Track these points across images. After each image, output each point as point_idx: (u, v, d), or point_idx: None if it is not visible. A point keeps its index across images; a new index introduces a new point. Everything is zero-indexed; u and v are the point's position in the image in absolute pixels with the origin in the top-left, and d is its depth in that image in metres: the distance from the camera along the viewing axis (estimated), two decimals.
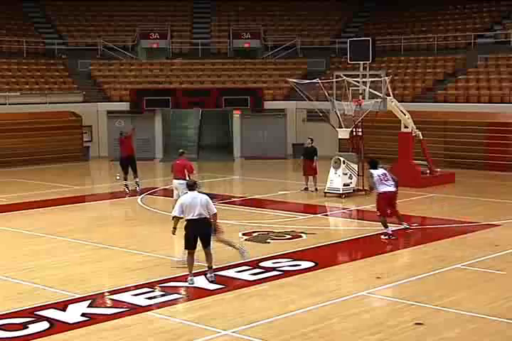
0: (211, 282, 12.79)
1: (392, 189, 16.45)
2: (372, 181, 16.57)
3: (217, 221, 13.25)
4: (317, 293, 12.11)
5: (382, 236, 16.32)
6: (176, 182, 18.39)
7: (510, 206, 20.79)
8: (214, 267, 13.76)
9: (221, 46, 39.61)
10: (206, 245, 12.92)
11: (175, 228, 13.08)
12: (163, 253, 15.09)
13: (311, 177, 23.34)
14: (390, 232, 16.25)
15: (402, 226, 16.76)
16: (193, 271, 12.91)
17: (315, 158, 23.11)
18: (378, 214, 16.50)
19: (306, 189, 23.32)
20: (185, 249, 13.03)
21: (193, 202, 12.71)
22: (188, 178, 18.19)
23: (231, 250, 15.29)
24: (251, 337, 10.09)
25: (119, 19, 41.08)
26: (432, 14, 38.50)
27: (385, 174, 16.60)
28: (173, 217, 13.01)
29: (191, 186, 13.05)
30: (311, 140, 23.53)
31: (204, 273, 13.08)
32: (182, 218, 12.94)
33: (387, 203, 16.44)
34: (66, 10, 41.13)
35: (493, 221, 18.14)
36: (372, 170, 16.58)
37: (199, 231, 12.85)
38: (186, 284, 12.69)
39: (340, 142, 26.20)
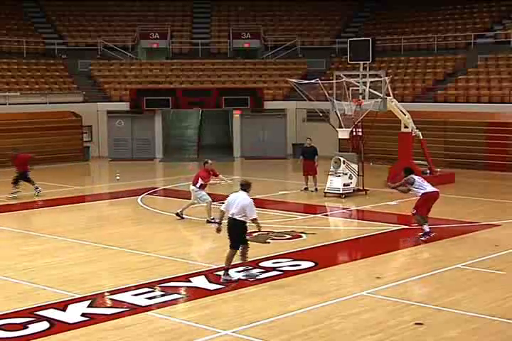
0: (222, 282, 12.74)
1: (436, 189, 16.53)
2: (409, 187, 16.47)
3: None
4: (317, 293, 12.11)
5: (422, 238, 16.04)
6: (191, 187, 18.79)
7: (510, 206, 20.80)
8: (215, 267, 13.79)
9: (221, 46, 39.63)
10: (231, 245, 13.01)
11: (219, 223, 13.33)
12: (163, 253, 15.10)
13: (311, 177, 23.34)
14: (428, 230, 16.06)
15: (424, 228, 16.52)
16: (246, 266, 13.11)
17: (315, 157, 23.11)
18: (414, 212, 16.32)
19: (306, 189, 23.32)
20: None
21: (233, 201, 12.94)
22: (199, 186, 18.43)
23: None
24: (251, 337, 10.09)
25: (119, 19, 41.10)
26: (432, 14, 38.52)
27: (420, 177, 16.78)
28: (221, 210, 13.29)
29: (242, 186, 13.25)
30: (310, 140, 23.53)
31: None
32: (224, 213, 13.18)
33: (432, 203, 16.41)
34: (66, 10, 41.16)
35: (493, 221, 18.15)
36: (413, 175, 16.47)
37: (229, 230, 13.03)
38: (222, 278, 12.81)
39: (340, 142, 26.25)
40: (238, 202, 12.81)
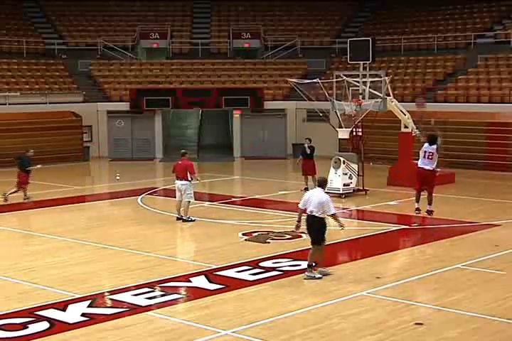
0: (304, 279, 12.90)
1: (426, 167, 17.56)
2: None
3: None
4: (317, 293, 12.11)
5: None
6: (178, 182, 18.38)
7: (510, 206, 20.80)
8: (215, 267, 13.79)
9: (221, 46, 39.64)
10: (313, 242, 13.14)
11: (298, 221, 13.36)
12: (163, 253, 15.10)
13: (310, 177, 23.32)
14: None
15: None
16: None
17: (303, 157, 23.14)
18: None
19: (307, 189, 23.26)
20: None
21: (310, 199, 13.05)
22: (190, 179, 18.26)
23: (231, 249, 15.34)
24: (251, 337, 10.09)
25: (119, 19, 41.10)
26: (431, 14, 38.51)
27: (430, 152, 17.68)
28: (300, 209, 13.33)
29: (319, 183, 13.38)
30: (309, 140, 23.52)
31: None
32: (303, 210, 13.24)
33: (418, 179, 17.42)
34: (66, 10, 41.16)
35: (493, 221, 18.14)
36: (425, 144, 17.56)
37: (307, 227, 13.16)
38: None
39: (340, 142, 26.24)
40: (315, 199, 12.95)
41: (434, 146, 18.23)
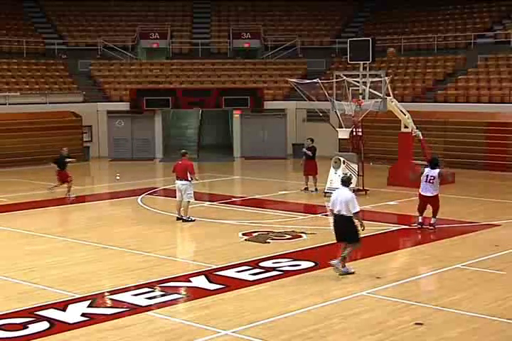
0: (331, 265, 13.06)
1: (428, 193, 17.04)
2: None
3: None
4: (317, 293, 12.11)
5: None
6: (178, 182, 18.40)
7: (510, 206, 20.80)
8: (215, 267, 13.79)
9: (221, 46, 39.64)
10: (346, 240, 13.24)
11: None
12: (163, 253, 15.10)
13: (311, 177, 23.34)
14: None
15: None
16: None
17: (310, 158, 23.11)
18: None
19: (306, 189, 23.31)
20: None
21: (336, 199, 13.14)
22: (190, 179, 18.28)
23: (231, 249, 15.34)
24: (251, 337, 10.09)
25: (119, 19, 41.11)
26: (432, 14, 38.52)
27: (431, 177, 16.98)
28: (329, 210, 13.53)
29: (343, 181, 13.42)
30: (311, 140, 23.51)
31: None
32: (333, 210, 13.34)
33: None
34: (66, 10, 41.17)
35: (493, 221, 18.15)
36: (426, 169, 16.95)
37: (337, 226, 13.25)
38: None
39: (340, 142, 26.23)
40: (341, 199, 13.03)
41: (437, 170, 17.34)
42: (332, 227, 13.48)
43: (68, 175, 22.62)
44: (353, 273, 13.19)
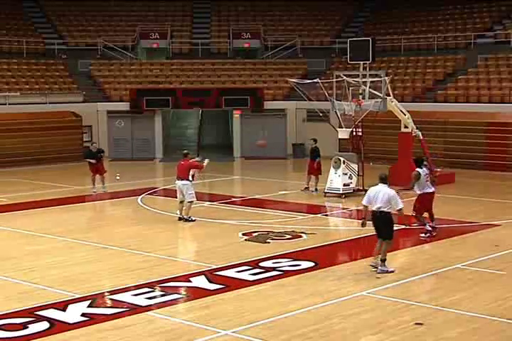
0: (373, 266, 13.27)
1: (433, 190, 16.74)
2: (416, 181, 16.40)
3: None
4: (317, 293, 12.11)
5: (422, 235, 16.36)
6: (179, 182, 18.44)
7: (510, 206, 20.80)
8: (215, 267, 13.79)
9: (221, 46, 39.63)
10: (385, 237, 13.34)
11: (364, 218, 13.54)
12: (163, 253, 15.10)
13: (313, 177, 23.32)
14: (430, 228, 16.34)
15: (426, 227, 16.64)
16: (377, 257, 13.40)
17: (317, 158, 23.09)
18: (415, 214, 16.52)
19: (307, 188, 23.30)
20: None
21: (376, 195, 13.22)
22: (191, 179, 18.33)
23: (231, 249, 15.34)
24: (251, 337, 10.09)
25: (119, 19, 41.10)
26: (432, 14, 38.52)
27: (427, 174, 16.72)
28: (363, 205, 13.54)
29: (382, 179, 13.53)
30: (314, 140, 23.51)
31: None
32: (367, 207, 13.45)
33: (429, 203, 16.62)
34: (66, 10, 41.16)
35: (493, 221, 18.15)
36: (419, 170, 16.48)
37: (377, 223, 13.34)
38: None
39: (340, 142, 26.24)
40: (383, 195, 13.15)
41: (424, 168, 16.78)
42: (373, 224, 13.51)
43: (94, 173, 23.24)
44: (393, 271, 13.28)
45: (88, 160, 23.22)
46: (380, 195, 13.19)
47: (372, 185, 13.85)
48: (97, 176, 23.23)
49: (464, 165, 27.67)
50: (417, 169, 16.50)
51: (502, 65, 32.01)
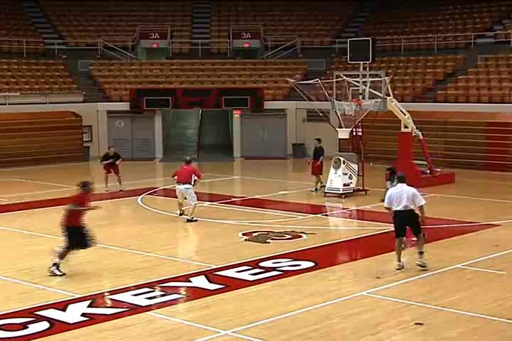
0: (421, 266, 13.41)
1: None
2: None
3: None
4: (317, 293, 12.11)
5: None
6: (181, 186, 18.60)
7: (510, 206, 20.79)
8: (215, 267, 13.79)
9: (221, 46, 39.63)
10: (416, 232, 13.63)
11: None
12: (163, 253, 15.10)
13: (314, 177, 23.30)
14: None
15: None
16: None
17: (321, 157, 23.11)
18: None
19: (316, 189, 23.23)
20: (396, 236, 13.63)
21: (400, 194, 13.35)
22: (193, 183, 18.46)
23: (231, 249, 15.34)
24: (251, 337, 10.09)
25: (119, 19, 41.09)
26: (431, 14, 38.51)
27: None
28: (385, 208, 13.71)
29: (401, 178, 13.69)
30: (318, 140, 23.51)
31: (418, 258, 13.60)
32: (390, 208, 13.59)
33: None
34: (66, 10, 41.15)
35: (493, 221, 18.14)
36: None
37: (406, 222, 13.50)
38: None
39: (340, 142, 26.23)
40: (407, 194, 13.31)
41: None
42: (396, 223, 13.59)
43: (108, 173, 24.01)
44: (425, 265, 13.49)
45: (104, 162, 24.02)
46: (405, 195, 13.35)
47: (392, 186, 13.84)
48: (111, 176, 23.83)
49: (464, 165, 27.66)
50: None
51: (502, 65, 32.01)
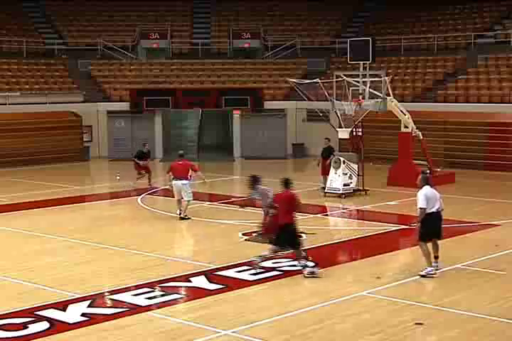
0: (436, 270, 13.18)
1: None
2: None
3: None
4: (317, 293, 12.11)
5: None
6: (178, 182, 18.56)
7: (510, 206, 20.78)
8: (215, 267, 13.79)
9: (221, 46, 39.61)
10: (438, 236, 13.43)
11: (419, 221, 13.34)
12: (163, 253, 15.10)
13: (322, 178, 23.26)
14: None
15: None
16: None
17: (330, 156, 23.07)
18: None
19: (324, 188, 23.15)
20: (422, 240, 13.28)
21: (434, 197, 13.25)
22: (190, 178, 18.47)
23: (231, 249, 15.34)
24: (251, 337, 10.09)
25: (119, 19, 41.08)
26: (432, 14, 38.51)
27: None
28: (421, 208, 13.16)
29: (427, 180, 13.51)
30: (328, 140, 23.49)
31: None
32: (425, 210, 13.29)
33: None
34: (66, 10, 41.12)
35: (493, 221, 18.14)
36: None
37: (438, 223, 13.34)
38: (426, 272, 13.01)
39: (340, 142, 26.22)
40: (438, 196, 13.28)
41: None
42: (430, 225, 13.14)
43: (140, 171, 24.73)
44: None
45: (136, 161, 24.69)
46: (438, 196, 13.29)
47: (422, 188, 13.33)
48: (142, 173, 24.54)
49: (464, 165, 27.65)
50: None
51: (502, 65, 32.01)
